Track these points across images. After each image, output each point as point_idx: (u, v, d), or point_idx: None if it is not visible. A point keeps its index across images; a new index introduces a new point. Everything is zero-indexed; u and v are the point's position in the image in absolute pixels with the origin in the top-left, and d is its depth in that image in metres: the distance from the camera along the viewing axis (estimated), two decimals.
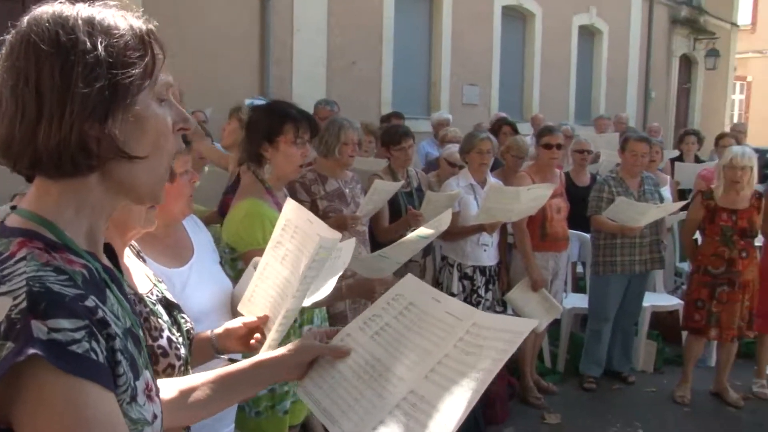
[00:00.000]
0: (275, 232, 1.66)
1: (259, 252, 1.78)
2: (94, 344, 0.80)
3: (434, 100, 11.05)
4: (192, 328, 1.50)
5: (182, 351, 1.39)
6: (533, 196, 4.10)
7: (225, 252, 2.52)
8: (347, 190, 3.68)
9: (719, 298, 4.50)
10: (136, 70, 0.88)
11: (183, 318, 1.47)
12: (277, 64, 8.26)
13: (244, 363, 1.30)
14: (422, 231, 2.69)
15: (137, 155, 0.90)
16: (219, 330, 1.59)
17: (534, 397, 4.63)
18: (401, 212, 4.26)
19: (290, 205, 1.65)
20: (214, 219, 3.59)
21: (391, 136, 4.55)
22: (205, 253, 2.12)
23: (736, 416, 4.51)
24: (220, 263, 2.23)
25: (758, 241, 4.90)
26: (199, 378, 1.27)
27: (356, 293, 2.74)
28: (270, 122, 2.60)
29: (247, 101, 4.84)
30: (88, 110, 0.84)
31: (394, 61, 9.98)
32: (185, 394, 1.23)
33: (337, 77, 8.99)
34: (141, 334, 0.96)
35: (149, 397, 0.91)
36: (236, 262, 2.53)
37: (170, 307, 1.46)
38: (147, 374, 0.92)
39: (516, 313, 4.45)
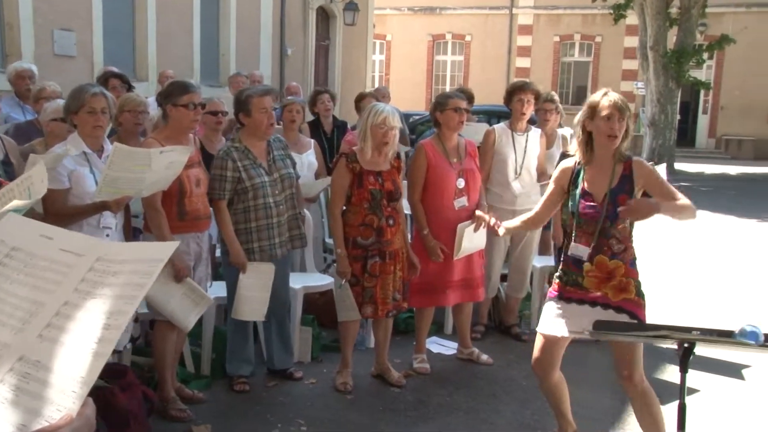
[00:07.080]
0: None
1: None
2: None
3: (11, 47, 10.36)
4: None
5: None
6: (167, 161, 4.17)
7: None
8: None
9: (371, 271, 5.08)
10: None
11: None
12: None
13: None
14: (14, 203, 2.55)
15: None
16: None
17: (177, 409, 4.72)
18: None
19: None
20: None
21: None
22: None
23: (400, 396, 5.19)
24: None
25: (406, 209, 5.66)
26: None
27: None
28: None
29: None
30: None
31: None
32: None
33: None
34: None
35: None
36: None
37: None
38: None
39: (155, 310, 4.54)
